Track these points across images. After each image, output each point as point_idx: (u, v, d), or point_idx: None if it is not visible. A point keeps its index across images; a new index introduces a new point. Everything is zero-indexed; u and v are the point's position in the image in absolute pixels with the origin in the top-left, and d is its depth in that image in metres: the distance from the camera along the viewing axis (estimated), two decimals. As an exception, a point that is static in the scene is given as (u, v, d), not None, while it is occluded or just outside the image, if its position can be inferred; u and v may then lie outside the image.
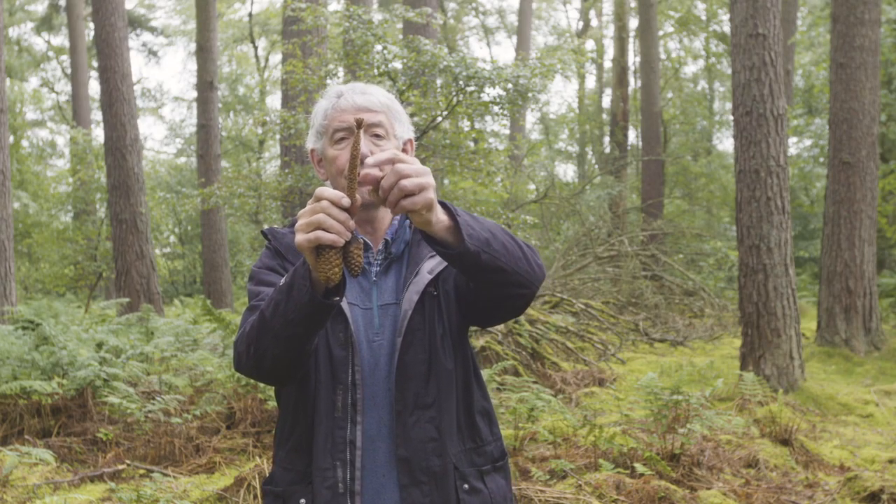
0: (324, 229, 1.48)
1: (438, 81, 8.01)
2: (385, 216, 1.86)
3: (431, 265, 1.80)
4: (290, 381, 1.76)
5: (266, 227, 1.94)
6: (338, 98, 1.84)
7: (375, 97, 1.83)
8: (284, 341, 1.62)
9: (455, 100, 7.85)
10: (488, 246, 1.59)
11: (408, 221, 1.88)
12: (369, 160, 1.51)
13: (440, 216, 1.55)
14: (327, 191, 1.50)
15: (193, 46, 24.09)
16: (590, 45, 27.23)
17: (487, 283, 1.65)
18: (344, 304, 1.75)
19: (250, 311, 1.75)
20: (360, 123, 1.52)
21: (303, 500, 1.76)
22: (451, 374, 1.79)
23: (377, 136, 1.80)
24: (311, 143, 1.90)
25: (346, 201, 1.49)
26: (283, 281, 1.63)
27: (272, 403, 5.39)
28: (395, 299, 1.81)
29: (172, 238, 23.86)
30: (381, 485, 1.76)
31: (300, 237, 1.50)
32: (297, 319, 1.58)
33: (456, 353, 1.82)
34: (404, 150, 1.89)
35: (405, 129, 1.88)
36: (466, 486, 1.78)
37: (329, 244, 1.49)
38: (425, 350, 1.76)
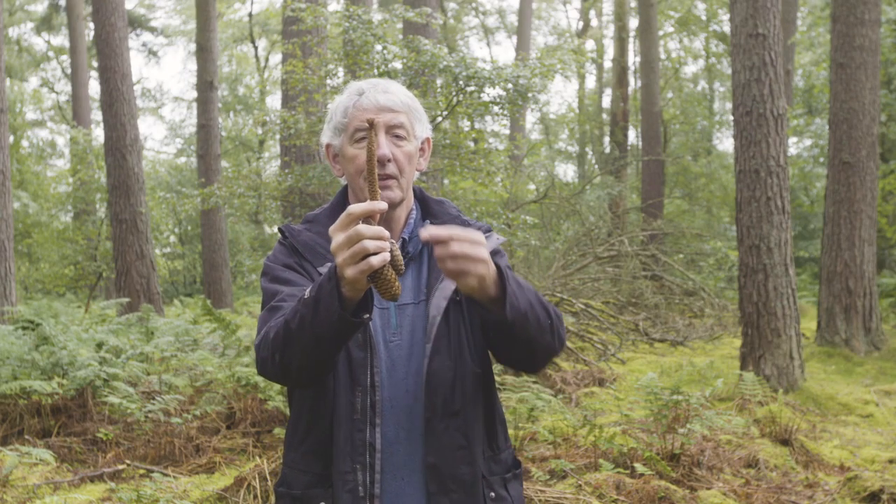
0: (371, 254, 1.44)
1: (438, 81, 7.99)
2: (401, 215, 1.84)
3: None
4: (316, 383, 1.74)
5: (281, 224, 1.91)
6: (359, 96, 1.80)
7: (397, 97, 1.81)
8: (312, 353, 1.60)
9: (455, 100, 7.84)
10: (525, 319, 1.63)
11: (427, 221, 1.87)
12: (423, 233, 1.53)
13: (488, 287, 1.58)
14: (357, 207, 1.47)
15: (193, 46, 24.08)
16: (590, 45, 27.23)
17: (508, 344, 1.70)
18: None
19: (270, 312, 1.71)
20: (371, 124, 1.51)
21: None
22: (479, 378, 1.79)
23: (398, 136, 1.79)
24: (327, 138, 1.87)
25: (382, 206, 1.48)
26: (307, 294, 1.57)
27: (272, 403, 5.38)
28: (412, 299, 1.79)
29: (172, 238, 23.84)
30: (400, 488, 1.74)
31: (352, 271, 1.45)
32: (327, 336, 1.55)
33: (480, 358, 1.81)
34: (422, 150, 1.88)
35: (424, 129, 1.87)
36: (493, 493, 1.77)
37: (380, 265, 1.45)
38: (451, 356, 1.75)
